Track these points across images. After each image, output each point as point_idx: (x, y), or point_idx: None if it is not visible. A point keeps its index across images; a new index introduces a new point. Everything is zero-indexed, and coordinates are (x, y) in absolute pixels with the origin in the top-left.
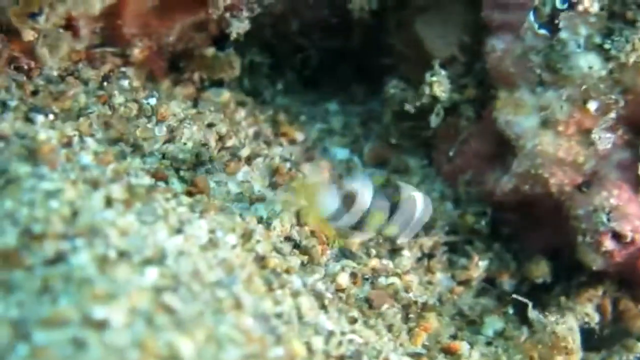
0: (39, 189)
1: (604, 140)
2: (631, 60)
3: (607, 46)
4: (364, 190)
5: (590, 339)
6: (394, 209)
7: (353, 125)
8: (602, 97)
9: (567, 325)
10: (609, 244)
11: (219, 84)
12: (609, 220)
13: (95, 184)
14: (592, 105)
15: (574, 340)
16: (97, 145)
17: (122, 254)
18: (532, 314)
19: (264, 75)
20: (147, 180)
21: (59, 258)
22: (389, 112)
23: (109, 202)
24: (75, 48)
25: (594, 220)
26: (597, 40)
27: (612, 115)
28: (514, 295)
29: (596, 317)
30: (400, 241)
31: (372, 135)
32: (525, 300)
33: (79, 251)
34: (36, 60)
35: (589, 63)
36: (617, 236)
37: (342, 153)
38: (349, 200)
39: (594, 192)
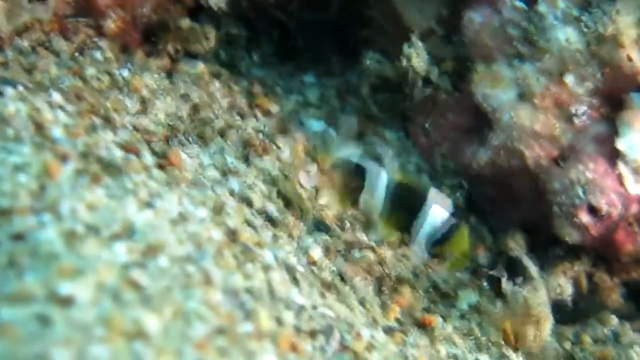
0: (7, 163)
1: (581, 113)
2: (608, 33)
3: (584, 19)
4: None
5: (563, 312)
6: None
7: (329, 97)
8: (579, 70)
9: (539, 295)
10: (584, 217)
11: (193, 55)
12: (584, 193)
13: (64, 158)
14: (569, 78)
15: (545, 310)
16: (68, 118)
17: (90, 229)
18: (507, 286)
19: (241, 47)
20: (118, 153)
21: (26, 233)
22: (366, 85)
23: (77, 176)
24: (39, 17)
25: (570, 193)
26: (575, 13)
27: (589, 88)
28: (489, 271)
29: (569, 290)
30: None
31: (348, 108)
32: (500, 274)
33: (46, 226)
34: None
35: (566, 36)
36: (593, 210)
37: (317, 125)
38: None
39: (570, 166)
